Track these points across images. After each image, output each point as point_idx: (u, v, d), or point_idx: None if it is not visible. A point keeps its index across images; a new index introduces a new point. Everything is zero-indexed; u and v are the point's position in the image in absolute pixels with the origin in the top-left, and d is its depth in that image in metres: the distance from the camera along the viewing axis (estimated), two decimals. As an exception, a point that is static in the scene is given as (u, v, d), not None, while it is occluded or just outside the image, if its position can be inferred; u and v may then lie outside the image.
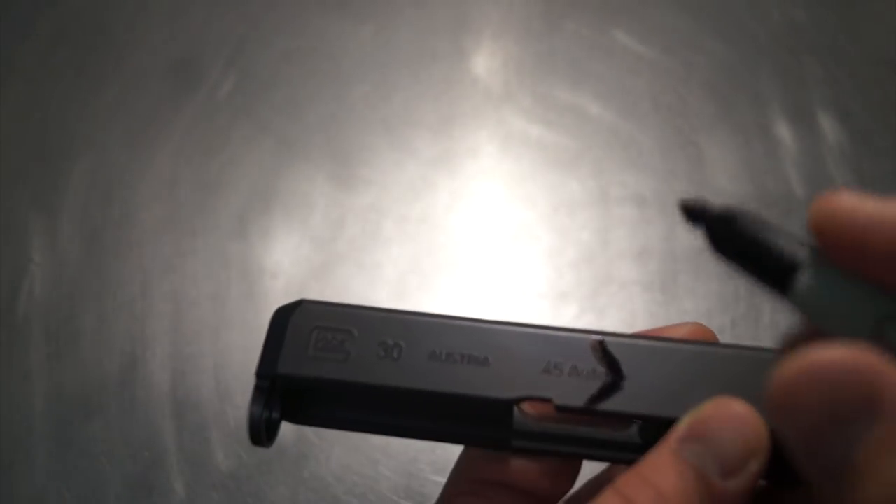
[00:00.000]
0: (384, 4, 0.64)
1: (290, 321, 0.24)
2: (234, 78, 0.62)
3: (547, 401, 0.22)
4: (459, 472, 0.25)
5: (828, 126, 0.59)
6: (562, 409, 0.22)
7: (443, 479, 0.48)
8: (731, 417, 0.20)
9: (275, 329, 0.24)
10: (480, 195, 0.58)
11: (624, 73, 0.61)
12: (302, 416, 0.25)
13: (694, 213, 0.19)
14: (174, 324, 0.53)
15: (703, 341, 0.23)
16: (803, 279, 0.16)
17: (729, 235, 0.19)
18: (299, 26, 0.64)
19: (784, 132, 0.59)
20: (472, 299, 0.54)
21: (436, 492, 0.50)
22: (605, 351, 0.22)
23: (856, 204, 0.15)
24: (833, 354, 0.13)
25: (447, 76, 0.62)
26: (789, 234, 0.17)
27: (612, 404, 0.22)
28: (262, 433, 0.24)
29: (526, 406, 0.23)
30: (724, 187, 0.57)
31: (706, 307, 0.53)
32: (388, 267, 0.55)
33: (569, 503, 0.25)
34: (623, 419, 0.22)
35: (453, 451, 0.25)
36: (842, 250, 0.15)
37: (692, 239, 0.55)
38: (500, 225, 0.56)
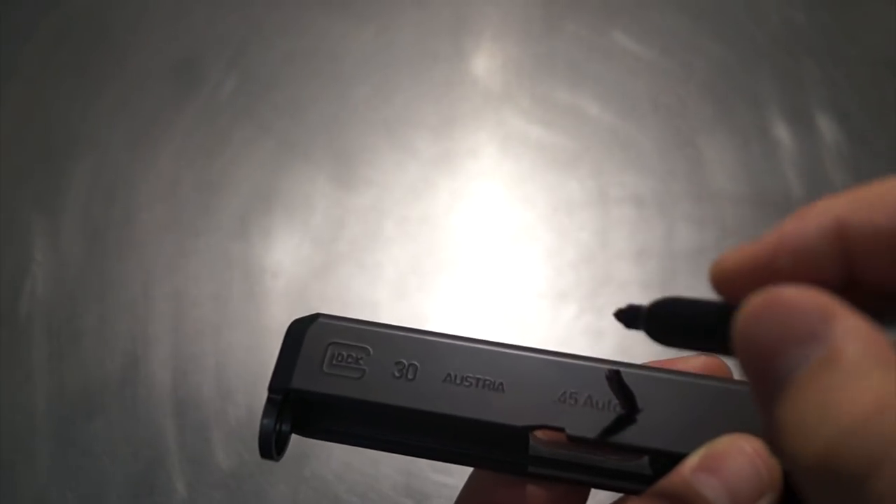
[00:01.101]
0: (385, 6, 0.65)
1: (305, 335, 0.24)
2: (236, 79, 0.62)
3: (560, 430, 0.22)
4: (468, 494, 0.25)
5: (826, 127, 0.59)
6: (574, 440, 0.22)
7: (443, 478, 0.48)
8: (746, 454, 0.20)
9: (290, 343, 0.24)
10: (480, 196, 0.58)
11: (623, 75, 0.62)
12: (312, 430, 0.25)
13: (628, 317, 0.20)
14: (176, 323, 0.53)
15: (719, 377, 0.24)
16: None
17: (667, 324, 0.19)
18: (301, 28, 0.64)
19: (782, 133, 0.59)
20: (472, 299, 0.54)
21: (436, 491, 0.50)
22: (620, 382, 0.22)
23: (737, 255, 0.17)
24: (790, 289, 0.15)
25: (448, 77, 0.62)
26: (718, 301, 0.18)
27: (625, 437, 0.22)
28: (272, 447, 0.23)
29: (539, 433, 0.23)
30: (723, 188, 0.57)
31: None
32: (388, 267, 0.55)
33: None
34: (635, 452, 0.22)
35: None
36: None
37: (691, 239, 0.56)
38: (499, 225, 0.57)
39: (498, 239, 0.56)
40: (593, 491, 0.24)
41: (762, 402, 0.15)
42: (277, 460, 0.24)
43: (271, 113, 0.61)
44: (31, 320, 0.53)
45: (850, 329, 0.14)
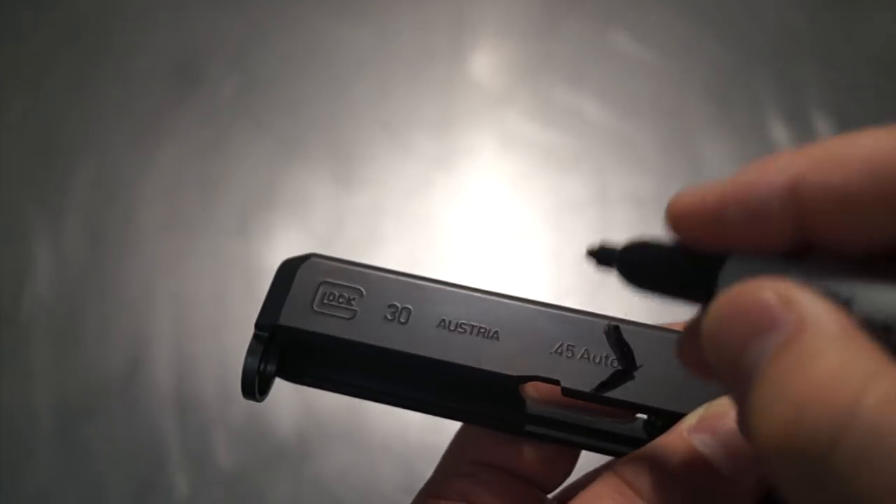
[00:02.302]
0: (384, 6, 0.65)
1: (297, 274, 0.23)
2: (236, 79, 0.62)
3: (555, 382, 0.21)
4: (457, 451, 0.24)
5: (823, 127, 0.59)
6: (569, 393, 0.21)
7: (443, 477, 0.49)
8: None
9: (280, 280, 0.23)
10: (479, 194, 0.58)
11: (623, 75, 0.62)
12: (298, 375, 0.24)
13: (601, 256, 0.20)
14: (176, 323, 0.53)
15: None
16: (727, 274, 0.16)
17: (641, 265, 0.19)
18: (300, 28, 0.64)
19: (780, 133, 0.59)
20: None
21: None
22: (619, 337, 0.21)
23: (691, 199, 0.16)
24: (748, 287, 0.15)
25: (446, 77, 0.62)
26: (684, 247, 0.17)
27: (621, 393, 0.21)
28: (255, 387, 0.22)
29: (532, 387, 0.23)
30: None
31: (704, 307, 0.53)
32: (387, 265, 0.55)
33: (564, 493, 0.25)
34: (630, 409, 0.22)
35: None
36: (705, 237, 0.16)
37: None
38: (499, 224, 0.57)
39: (498, 238, 0.56)
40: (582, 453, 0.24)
41: (737, 403, 0.15)
42: (260, 401, 0.23)
43: (271, 113, 0.61)
44: (33, 321, 0.53)
45: (807, 312, 0.14)
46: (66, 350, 0.53)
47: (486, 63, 0.63)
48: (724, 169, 0.58)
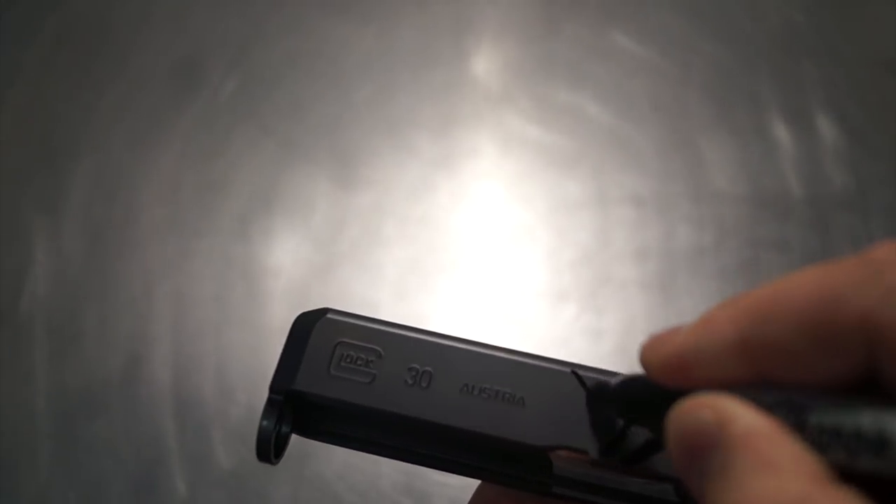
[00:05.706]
0: (386, 7, 0.65)
1: (311, 332, 0.22)
2: (237, 79, 0.62)
3: (583, 452, 0.21)
4: None
5: (825, 127, 0.59)
6: (598, 464, 0.21)
7: (443, 478, 0.49)
8: None
9: (295, 339, 0.22)
10: (480, 196, 0.58)
11: (622, 75, 0.62)
12: (314, 432, 0.23)
13: (596, 392, 0.20)
14: (176, 323, 0.53)
15: None
16: None
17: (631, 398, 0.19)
18: (301, 28, 0.64)
19: (781, 133, 0.59)
20: (472, 299, 0.54)
21: (437, 490, 0.50)
22: None
23: (655, 355, 0.17)
24: (689, 402, 0.16)
25: (448, 78, 0.62)
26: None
27: (653, 463, 0.20)
28: (270, 451, 0.22)
29: (559, 452, 0.22)
30: (722, 188, 0.57)
31: (704, 307, 0.53)
32: (388, 267, 0.55)
33: None
34: (662, 480, 0.21)
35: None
36: (674, 381, 0.17)
37: (690, 239, 0.56)
38: (499, 225, 0.57)
39: (498, 239, 0.56)
40: None
41: None
42: (275, 464, 0.23)
43: (272, 114, 0.61)
44: (33, 320, 0.53)
45: (742, 434, 0.15)
46: (66, 350, 0.53)
47: (487, 64, 0.63)
48: (724, 169, 0.58)
